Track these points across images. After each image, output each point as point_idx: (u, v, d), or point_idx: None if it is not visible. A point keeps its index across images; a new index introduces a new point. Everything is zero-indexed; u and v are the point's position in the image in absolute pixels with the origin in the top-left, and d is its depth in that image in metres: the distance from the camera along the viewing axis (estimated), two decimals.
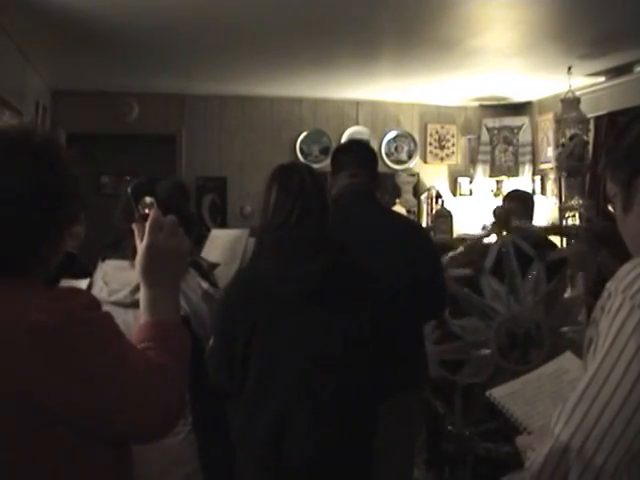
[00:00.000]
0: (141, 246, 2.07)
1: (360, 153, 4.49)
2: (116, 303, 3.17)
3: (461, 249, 5.70)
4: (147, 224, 2.07)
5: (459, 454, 5.58)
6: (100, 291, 3.33)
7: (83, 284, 3.65)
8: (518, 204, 6.67)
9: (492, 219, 6.55)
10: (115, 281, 3.28)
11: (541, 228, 6.16)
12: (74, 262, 4.71)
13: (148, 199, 2.13)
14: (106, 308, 3.17)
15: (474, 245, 5.74)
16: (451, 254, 5.62)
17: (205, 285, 3.47)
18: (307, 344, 3.14)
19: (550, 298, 5.41)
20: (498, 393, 2.31)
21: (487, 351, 5.27)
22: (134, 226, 2.11)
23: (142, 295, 2.08)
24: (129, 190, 2.16)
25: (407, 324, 4.06)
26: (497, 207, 6.68)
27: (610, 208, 2.10)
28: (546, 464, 1.76)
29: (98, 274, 3.45)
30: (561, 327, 5.40)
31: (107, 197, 9.00)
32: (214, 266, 3.79)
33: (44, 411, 1.72)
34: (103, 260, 3.46)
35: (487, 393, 2.33)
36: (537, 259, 5.42)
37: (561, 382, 2.31)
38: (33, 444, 1.74)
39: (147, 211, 2.10)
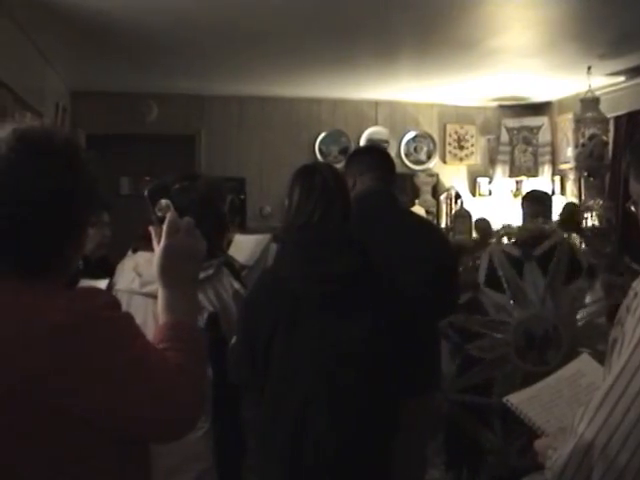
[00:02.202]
0: (158, 248, 2.08)
1: (384, 157, 4.52)
2: (148, 294, 3.19)
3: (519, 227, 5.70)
4: (164, 226, 2.08)
5: (476, 454, 5.57)
6: (132, 282, 3.36)
7: (102, 284, 3.67)
8: (536, 204, 6.65)
9: (523, 215, 6.57)
10: (148, 273, 3.29)
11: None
12: (107, 264, 4.76)
13: (164, 202, 2.13)
14: (137, 298, 3.23)
15: (534, 230, 5.71)
16: (504, 231, 5.61)
17: (237, 285, 3.50)
18: (328, 344, 3.14)
19: (552, 292, 5.38)
20: (515, 399, 2.31)
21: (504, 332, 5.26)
22: (151, 229, 2.12)
23: (160, 296, 2.08)
24: (145, 193, 2.17)
25: (424, 324, 4.06)
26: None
27: (632, 207, 2.09)
28: (569, 463, 1.75)
29: (129, 264, 3.47)
30: (574, 315, 5.37)
31: (126, 198, 9.04)
32: (244, 267, 3.82)
33: (62, 410, 1.73)
34: (135, 251, 3.48)
35: (504, 399, 2.32)
36: (525, 259, 5.39)
37: (578, 386, 2.30)
38: (50, 443, 1.75)
39: (163, 214, 2.11)
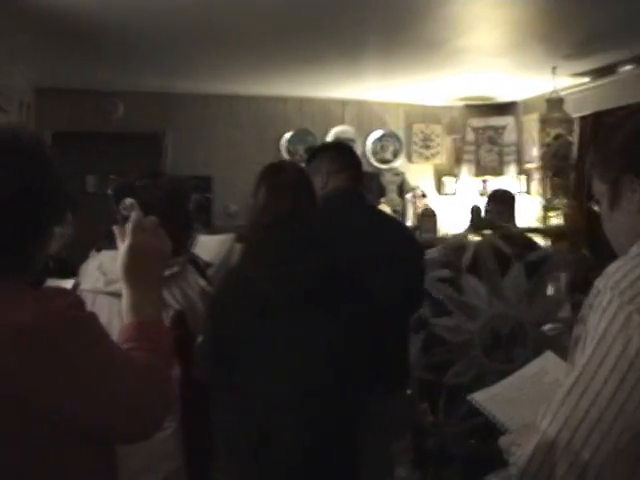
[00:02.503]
0: (122, 247, 2.08)
1: (353, 155, 4.50)
2: (112, 293, 3.17)
3: (438, 249, 5.74)
4: (128, 225, 2.07)
5: (444, 453, 5.59)
6: (96, 281, 3.34)
7: (68, 284, 3.65)
8: (500, 203, 6.70)
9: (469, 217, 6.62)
10: (112, 271, 3.28)
11: (520, 228, 6.19)
12: (65, 265, 4.73)
13: (128, 201, 2.13)
14: (102, 297, 3.21)
15: (452, 245, 5.77)
16: (428, 256, 5.64)
17: (202, 283, 3.49)
18: (294, 344, 3.14)
19: (531, 296, 5.43)
20: (480, 396, 2.33)
21: (473, 353, 5.29)
22: (115, 228, 2.12)
23: (125, 295, 2.08)
24: (109, 192, 2.17)
25: (393, 323, 4.07)
26: (474, 206, 6.74)
27: (595, 207, 2.12)
28: (532, 459, 1.76)
29: (92, 264, 3.45)
30: (542, 324, 5.41)
31: (92, 196, 8.99)
32: (209, 265, 3.81)
33: (30, 411, 1.72)
34: (99, 251, 3.46)
35: (469, 397, 2.34)
36: (515, 259, 5.43)
37: (542, 384, 2.32)
38: (19, 444, 1.74)
39: (128, 213, 2.11)
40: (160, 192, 3.25)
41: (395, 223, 4.96)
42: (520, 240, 5.91)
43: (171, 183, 3.50)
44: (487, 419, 2.25)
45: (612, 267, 1.87)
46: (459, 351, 5.35)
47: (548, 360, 2.45)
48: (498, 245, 5.46)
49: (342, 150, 4.57)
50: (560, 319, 5.49)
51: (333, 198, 4.10)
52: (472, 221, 6.45)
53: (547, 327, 5.47)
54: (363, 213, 4.34)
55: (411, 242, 4.50)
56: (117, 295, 3.02)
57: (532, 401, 2.21)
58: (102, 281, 3.32)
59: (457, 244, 5.76)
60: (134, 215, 2.09)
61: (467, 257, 5.43)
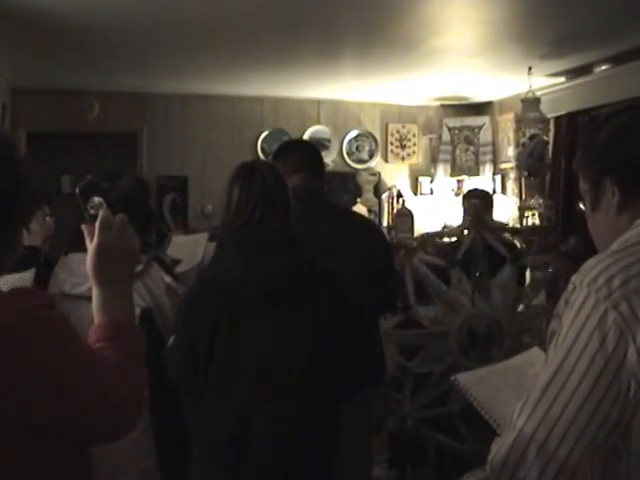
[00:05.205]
0: (91, 246, 2.07)
1: (313, 154, 4.49)
2: (78, 296, 3.17)
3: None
4: (96, 224, 2.07)
5: (420, 452, 5.59)
6: (63, 284, 3.34)
7: (27, 276, 3.62)
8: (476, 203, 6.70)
9: (463, 213, 6.59)
10: (77, 274, 3.28)
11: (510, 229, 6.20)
12: (37, 256, 4.71)
13: (97, 199, 2.13)
14: (68, 301, 3.20)
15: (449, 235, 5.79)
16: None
17: (168, 279, 3.49)
18: (270, 344, 3.14)
19: (517, 302, 5.44)
20: (464, 378, 2.35)
21: (444, 342, 5.30)
22: (83, 227, 2.11)
23: (95, 295, 2.07)
24: (77, 190, 2.16)
25: (366, 322, 4.07)
26: (472, 202, 6.72)
27: (581, 206, 2.13)
28: (509, 457, 1.76)
29: (61, 267, 3.46)
30: (522, 331, 5.42)
31: (67, 197, 8.95)
32: (177, 262, 3.80)
33: (1, 414, 1.71)
34: (66, 254, 3.46)
35: (452, 378, 2.36)
36: (509, 261, 5.44)
37: (525, 374, 2.34)
38: None
39: (96, 212, 2.10)
40: (115, 195, 3.23)
41: (364, 222, 4.88)
42: (510, 242, 5.93)
43: (128, 185, 3.50)
44: (447, 412, 2.28)
45: (588, 264, 1.87)
46: (432, 338, 5.35)
47: (534, 354, 2.49)
48: (494, 246, 5.47)
49: (295, 150, 4.55)
50: (542, 329, 5.50)
51: (297, 198, 4.10)
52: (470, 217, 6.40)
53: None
54: (315, 212, 4.30)
55: (381, 241, 4.50)
56: (82, 298, 3.03)
57: (514, 389, 2.24)
58: (68, 284, 3.32)
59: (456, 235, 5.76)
60: (102, 213, 2.09)
61: (461, 251, 5.43)
